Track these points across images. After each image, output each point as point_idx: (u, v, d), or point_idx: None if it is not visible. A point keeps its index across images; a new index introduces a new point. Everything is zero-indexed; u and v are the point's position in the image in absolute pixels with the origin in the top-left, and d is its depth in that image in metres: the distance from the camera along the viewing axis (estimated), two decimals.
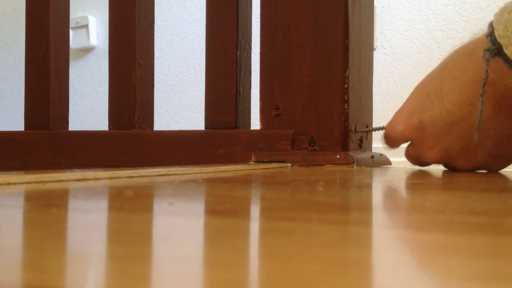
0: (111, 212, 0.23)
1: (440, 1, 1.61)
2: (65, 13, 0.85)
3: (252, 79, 0.73)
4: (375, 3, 1.44)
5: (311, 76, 0.64)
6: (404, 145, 0.57)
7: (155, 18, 0.80)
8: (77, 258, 0.13)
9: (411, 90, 0.56)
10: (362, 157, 0.62)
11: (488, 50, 0.45)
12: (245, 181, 0.41)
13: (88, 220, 0.20)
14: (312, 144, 0.63)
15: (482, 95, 0.47)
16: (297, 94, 0.65)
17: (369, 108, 0.69)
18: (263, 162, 0.64)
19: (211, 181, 0.38)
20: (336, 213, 0.22)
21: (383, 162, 0.67)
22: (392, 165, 0.69)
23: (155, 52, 0.81)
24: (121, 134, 0.75)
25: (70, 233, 0.18)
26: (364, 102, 0.67)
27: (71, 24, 2.04)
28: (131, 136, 0.74)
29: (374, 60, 0.83)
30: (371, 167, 0.62)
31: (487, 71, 0.46)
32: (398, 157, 0.68)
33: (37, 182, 0.33)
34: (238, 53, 0.70)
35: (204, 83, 0.73)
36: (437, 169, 0.56)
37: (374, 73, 0.72)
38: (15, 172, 0.36)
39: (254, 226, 0.19)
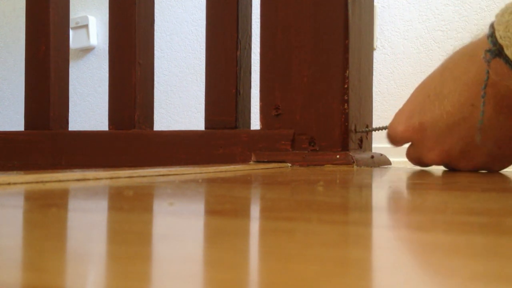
0: (111, 212, 0.23)
1: (440, 1, 1.61)
2: (65, 13, 0.85)
3: (252, 79, 0.73)
4: (375, 3, 1.44)
5: (311, 76, 0.64)
6: (406, 145, 0.57)
7: (155, 18, 0.80)
8: (77, 258, 0.13)
9: (411, 90, 0.56)
10: (362, 157, 0.62)
11: (489, 51, 0.45)
12: (245, 181, 0.41)
13: (88, 220, 0.20)
14: (312, 144, 0.63)
15: (484, 96, 0.47)
16: (297, 94, 0.65)
17: (369, 108, 0.69)
18: (263, 162, 0.64)
19: (211, 181, 0.38)
20: (336, 213, 0.22)
21: (383, 162, 0.67)
22: (392, 165, 0.69)
23: (155, 52, 0.81)
24: (121, 134, 0.75)
25: (70, 233, 0.18)
26: (364, 102, 0.67)
27: (71, 24, 2.04)
28: (131, 136, 0.74)
29: (374, 60, 0.83)
30: (371, 167, 0.62)
31: (488, 72, 0.46)
32: (398, 157, 0.68)
33: (37, 182, 0.33)
34: (238, 53, 0.70)
35: (204, 83, 0.73)
36: (437, 169, 0.56)
37: (374, 73, 0.72)
38: (15, 172, 0.36)
39: (254, 226, 0.19)
